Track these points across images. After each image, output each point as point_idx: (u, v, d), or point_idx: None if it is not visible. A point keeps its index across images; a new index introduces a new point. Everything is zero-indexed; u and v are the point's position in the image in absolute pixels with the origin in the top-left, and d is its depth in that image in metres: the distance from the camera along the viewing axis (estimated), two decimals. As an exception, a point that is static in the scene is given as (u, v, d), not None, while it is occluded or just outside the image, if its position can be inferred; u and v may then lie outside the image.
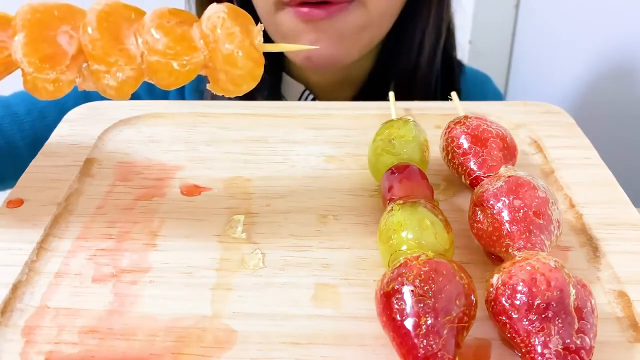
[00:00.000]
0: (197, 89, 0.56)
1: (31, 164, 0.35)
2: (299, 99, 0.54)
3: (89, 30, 0.26)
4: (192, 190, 0.33)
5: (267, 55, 0.48)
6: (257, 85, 0.53)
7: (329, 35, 0.46)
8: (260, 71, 0.27)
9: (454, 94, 0.38)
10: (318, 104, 0.42)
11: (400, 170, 0.30)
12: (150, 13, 0.27)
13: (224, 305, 0.26)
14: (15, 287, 0.27)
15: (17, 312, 0.26)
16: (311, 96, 0.54)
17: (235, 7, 0.27)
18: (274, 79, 0.54)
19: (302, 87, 0.54)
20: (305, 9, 0.44)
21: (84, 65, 0.27)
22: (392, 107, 0.37)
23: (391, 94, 0.38)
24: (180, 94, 0.57)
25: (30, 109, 0.52)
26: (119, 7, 0.27)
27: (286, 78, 0.55)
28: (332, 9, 0.44)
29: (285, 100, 0.55)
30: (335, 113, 0.41)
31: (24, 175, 0.34)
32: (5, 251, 0.29)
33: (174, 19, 0.27)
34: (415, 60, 0.52)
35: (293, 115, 0.40)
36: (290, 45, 0.32)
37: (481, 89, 0.62)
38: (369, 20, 0.46)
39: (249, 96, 0.52)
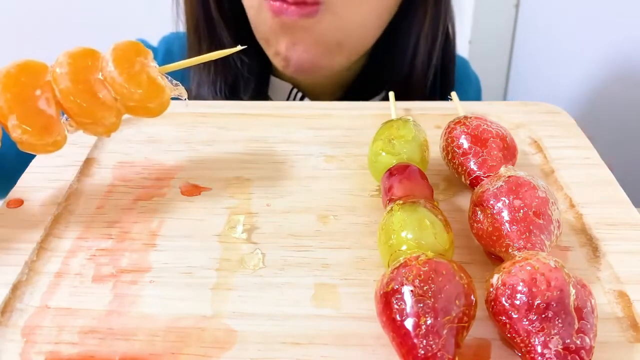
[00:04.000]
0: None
1: (31, 163, 0.35)
2: (287, 98, 0.54)
3: (70, 97, 0.29)
4: (192, 190, 0.33)
5: (252, 58, 0.50)
6: (243, 85, 0.53)
7: (304, 39, 0.46)
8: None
9: (454, 94, 0.38)
10: (318, 104, 0.43)
11: (400, 170, 0.30)
12: (110, 58, 0.29)
13: (224, 305, 0.26)
14: (15, 287, 0.27)
15: (17, 312, 0.26)
16: (300, 94, 0.54)
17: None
18: (260, 82, 0.54)
19: (289, 87, 0.54)
20: (277, 3, 0.44)
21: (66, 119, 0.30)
22: (392, 107, 0.37)
23: (391, 94, 0.38)
24: None
25: None
26: (78, 60, 0.29)
27: (273, 80, 0.55)
28: (304, 10, 0.44)
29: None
30: (335, 113, 0.41)
31: (23, 175, 0.34)
32: (5, 251, 0.29)
33: (136, 60, 0.30)
34: (409, 63, 0.52)
35: (293, 115, 0.40)
36: (196, 58, 0.33)
37: (465, 73, 0.63)
38: (343, 28, 0.46)
39: (234, 94, 0.52)
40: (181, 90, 0.31)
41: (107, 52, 0.30)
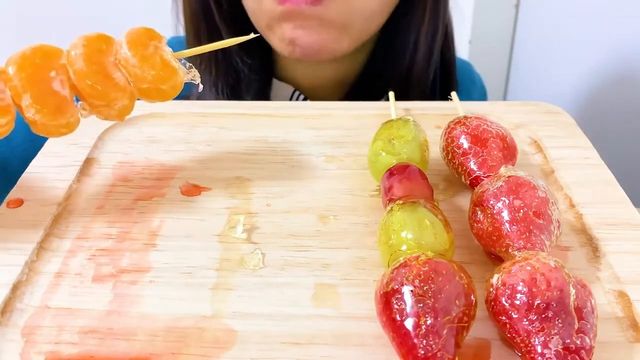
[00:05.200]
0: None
1: (31, 163, 0.35)
2: (290, 100, 0.54)
3: (83, 77, 0.29)
4: (192, 190, 0.33)
5: (254, 58, 0.50)
6: (245, 86, 0.53)
7: (310, 23, 0.45)
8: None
9: (454, 94, 0.38)
10: (318, 104, 0.43)
11: (400, 171, 0.30)
12: (125, 41, 0.30)
13: (224, 305, 0.26)
14: (15, 287, 0.27)
15: (17, 312, 0.26)
16: (302, 96, 0.54)
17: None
18: (262, 83, 0.54)
19: (291, 89, 0.54)
20: None
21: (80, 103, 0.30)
22: (392, 107, 0.37)
23: (391, 94, 0.38)
24: None
25: None
26: (93, 43, 0.30)
27: (275, 82, 0.55)
28: None
29: None
30: (335, 113, 0.41)
31: (24, 175, 0.34)
32: (5, 251, 0.29)
33: (150, 44, 0.30)
34: (410, 59, 0.52)
35: (293, 115, 0.40)
36: (209, 45, 0.33)
37: (469, 77, 0.63)
38: (349, 12, 0.45)
39: (236, 95, 0.52)
40: (194, 74, 0.31)
41: (121, 37, 0.30)
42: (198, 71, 0.53)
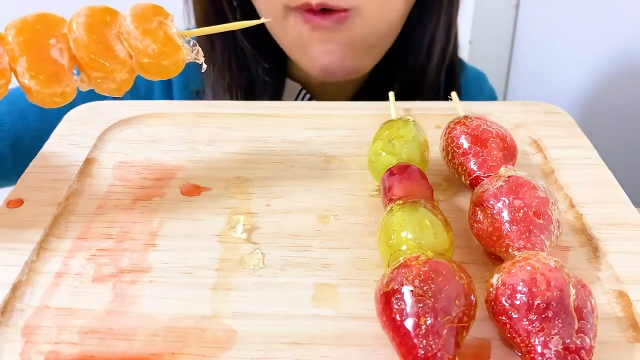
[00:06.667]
0: (187, 88, 0.56)
1: (31, 163, 0.35)
2: (296, 99, 0.55)
3: (83, 46, 0.28)
4: (192, 190, 0.33)
5: (270, 61, 0.50)
6: (259, 90, 0.53)
7: (338, 46, 0.47)
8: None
9: (454, 94, 0.38)
10: (318, 104, 0.43)
11: (400, 171, 0.30)
12: (129, 14, 0.29)
13: (224, 305, 0.26)
14: (15, 287, 0.27)
15: (17, 312, 0.26)
16: (308, 95, 0.54)
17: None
18: (277, 84, 0.54)
19: (298, 87, 0.54)
20: (309, 15, 0.44)
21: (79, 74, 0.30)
22: (392, 107, 0.37)
23: (391, 94, 0.38)
24: (168, 93, 0.57)
25: (10, 109, 0.51)
26: (97, 13, 0.29)
27: (286, 81, 0.55)
28: (334, 16, 0.44)
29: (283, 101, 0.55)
30: (335, 113, 0.41)
31: (23, 175, 0.34)
32: (5, 251, 0.29)
33: (154, 18, 0.29)
34: (423, 65, 0.52)
35: (293, 115, 0.40)
36: (215, 27, 0.32)
37: (479, 87, 0.63)
38: (372, 28, 0.46)
39: (250, 99, 0.53)
40: (198, 53, 0.30)
41: (126, 10, 0.30)
42: (210, 76, 0.53)
